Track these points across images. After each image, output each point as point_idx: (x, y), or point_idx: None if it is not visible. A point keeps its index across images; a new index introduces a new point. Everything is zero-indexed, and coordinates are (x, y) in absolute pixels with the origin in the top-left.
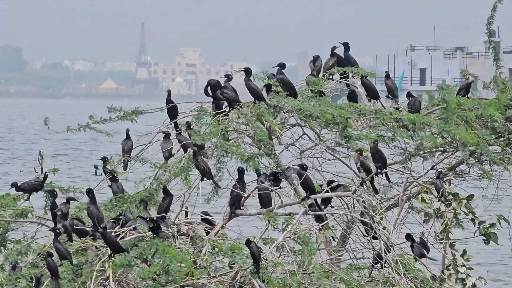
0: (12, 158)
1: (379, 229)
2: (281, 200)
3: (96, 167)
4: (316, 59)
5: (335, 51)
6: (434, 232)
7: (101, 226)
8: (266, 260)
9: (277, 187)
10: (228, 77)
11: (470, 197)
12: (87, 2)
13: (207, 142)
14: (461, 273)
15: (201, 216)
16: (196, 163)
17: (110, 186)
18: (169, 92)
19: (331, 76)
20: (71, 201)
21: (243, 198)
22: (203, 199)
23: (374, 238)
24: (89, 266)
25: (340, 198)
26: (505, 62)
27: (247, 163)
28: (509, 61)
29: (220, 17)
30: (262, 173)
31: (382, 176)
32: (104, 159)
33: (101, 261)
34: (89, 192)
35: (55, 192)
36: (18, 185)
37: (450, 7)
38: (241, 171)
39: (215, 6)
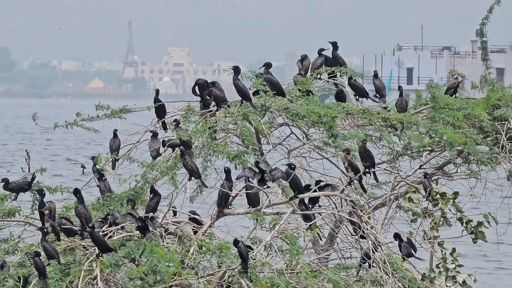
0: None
1: (367, 229)
2: (269, 200)
3: (83, 166)
4: (303, 58)
5: (322, 52)
6: (423, 230)
7: (89, 225)
8: (254, 259)
9: (265, 187)
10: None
11: (456, 194)
12: (74, 1)
13: (194, 141)
14: (451, 270)
15: (188, 215)
16: (184, 162)
17: (97, 185)
18: (157, 91)
19: (319, 75)
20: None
21: (231, 197)
22: (188, 198)
23: (362, 237)
24: (77, 266)
25: (328, 197)
26: (493, 61)
27: (233, 161)
28: (496, 60)
29: (208, 17)
30: (247, 167)
31: (370, 175)
32: (93, 158)
33: (89, 260)
34: (76, 192)
35: (43, 192)
36: (9, 182)
37: (437, 7)
38: (227, 171)
39: (204, 6)
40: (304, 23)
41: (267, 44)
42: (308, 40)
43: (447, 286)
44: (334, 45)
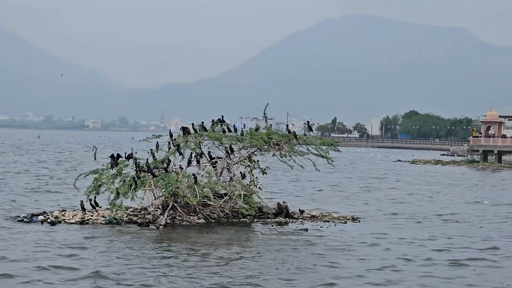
0: None
1: (234, 171)
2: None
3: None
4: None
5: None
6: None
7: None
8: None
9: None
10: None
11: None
12: None
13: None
14: (256, 181)
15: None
16: (179, 150)
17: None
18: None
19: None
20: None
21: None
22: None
23: (229, 171)
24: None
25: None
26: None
27: (193, 151)
28: None
29: None
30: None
31: (234, 153)
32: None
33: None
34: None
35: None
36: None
37: None
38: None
39: None
40: None
41: None
42: None
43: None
44: (222, 119)
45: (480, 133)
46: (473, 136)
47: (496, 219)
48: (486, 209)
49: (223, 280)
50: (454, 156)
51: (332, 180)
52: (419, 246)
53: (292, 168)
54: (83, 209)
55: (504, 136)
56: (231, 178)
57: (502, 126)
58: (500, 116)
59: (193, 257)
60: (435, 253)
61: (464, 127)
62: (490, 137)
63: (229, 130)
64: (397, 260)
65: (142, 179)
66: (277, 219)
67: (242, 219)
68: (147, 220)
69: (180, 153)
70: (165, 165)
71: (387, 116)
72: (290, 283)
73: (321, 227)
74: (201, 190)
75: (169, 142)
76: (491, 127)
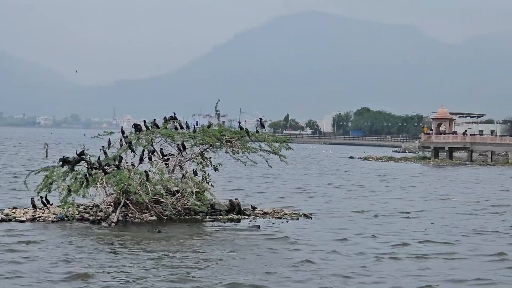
0: None
1: (186, 168)
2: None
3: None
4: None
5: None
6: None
7: (102, 165)
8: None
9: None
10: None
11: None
12: None
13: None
14: (208, 178)
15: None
16: (130, 147)
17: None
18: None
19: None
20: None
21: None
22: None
23: (181, 168)
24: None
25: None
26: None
27: (145, 148)
28: None
29: None
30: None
31: (185, 150)
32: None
33: (102, 176)
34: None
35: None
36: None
37: None
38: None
39: None
40: None
41: None
42: None
43: (209, 183)
44: (174, 116)
45: (431, 130)
46: (424, 133)
47: (450, 216)
48: (437, 205)
49: (176, 277)
50: (406, 152)
51: (285, 177)
52: (373, 242)
53: (245, 165)
54: (34, 206)
55: (455, 133)
56: (183, 175)
57: (453, 123)
58: (451, 113)
59: (145, 253)
60: (389, 248)
61: (416, 124)
62: (441, 133)
63: (181, 127)
64: (347, 255)
65: (93, 176)
66: (229, 216)
67: (194, 216)
68: (99, 218)
69: (132, 150)
70: (117, 162)
71: (339, 113)
72: (242, 278)
73: (273, 223)
74: (153, 187)
75: (121, 139)
76: (442, 124)
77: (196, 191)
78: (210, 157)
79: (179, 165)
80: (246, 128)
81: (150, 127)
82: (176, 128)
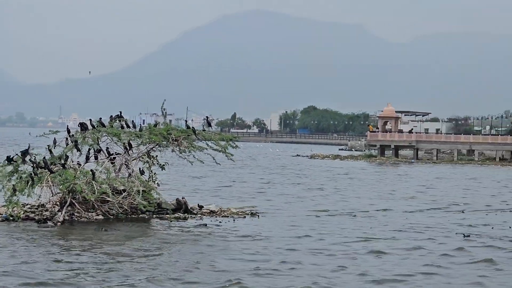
0: None
1: (132, 167)
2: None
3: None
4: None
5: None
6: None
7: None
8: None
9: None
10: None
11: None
12: None
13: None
14: (154, 177)
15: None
16: (76, 146)
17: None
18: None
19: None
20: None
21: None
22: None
23: (128, 167)
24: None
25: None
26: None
27: (91, 147)
28: None
29: None
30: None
31: (132, 149)
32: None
33: (48, 175)
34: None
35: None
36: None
37: None
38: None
39: None
40: None
41: None
42: None
43: (155, 183)
44: (120, 115)
45: (377, 128)
46: (370, 131)
47: (395, 213)
48: (379, 203)
49: (123, 278)
50: (352, 150)
51: (233, 175)
52: (318, 240)
53: (192, 164)
54: None
55: (400, 131)
56: (129, 174)
57: (399, 121)
58: (396, 111)
59: (91, 253)
60: (332, 246)
61: (362, 122)
62: (387, 132)
63: (128, 126)
64: (290, 252)
65: (39, 176)
66: (176, 215)
67: (141, 215)
68: (45, 217)
69: (78, 149)
70: (62, 161)
71: (286, 112)
72: (189, 276)
73: (220, 222)
74: (99, 186)
75: (66, 138)
76: (388, 122)
77: (142, 190)
78: (157, 156)
79: (126, 164)
80: (192, 127)
81: (96, 126)
82: (122, 127)
